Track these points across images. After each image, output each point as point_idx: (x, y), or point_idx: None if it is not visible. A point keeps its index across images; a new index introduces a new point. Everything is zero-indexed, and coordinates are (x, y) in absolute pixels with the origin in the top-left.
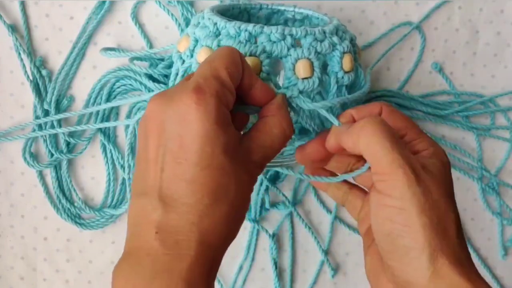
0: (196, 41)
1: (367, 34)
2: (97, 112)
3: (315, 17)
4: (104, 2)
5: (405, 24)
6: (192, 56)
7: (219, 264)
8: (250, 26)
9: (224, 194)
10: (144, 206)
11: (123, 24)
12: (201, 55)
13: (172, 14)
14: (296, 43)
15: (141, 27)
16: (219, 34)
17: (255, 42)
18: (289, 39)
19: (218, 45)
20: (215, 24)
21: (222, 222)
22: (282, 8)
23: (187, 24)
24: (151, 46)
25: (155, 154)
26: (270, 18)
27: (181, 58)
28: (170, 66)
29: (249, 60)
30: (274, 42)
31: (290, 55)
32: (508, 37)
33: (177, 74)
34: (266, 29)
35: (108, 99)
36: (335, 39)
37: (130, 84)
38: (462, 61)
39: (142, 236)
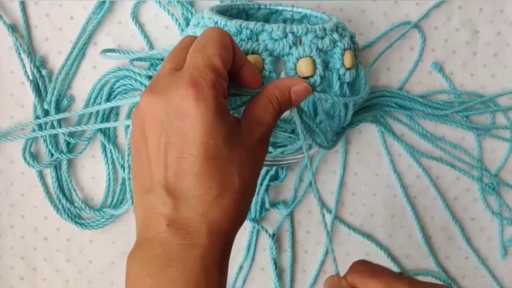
0: None
1: (367, 34)
2: (97, 112)
3: (313, 16)
4: (104, 2)
5: (405, 23)
6: None
7: (230, 247)
8: (252, 24)
9: (230, 182)
10: (152, 201)
11: (123, 24)
12: None
13: (172, 14)
14: (297, 41)
15: (141, 27)
16: None
17: (257, 40)
18: (290, 36)
19: None
20: (216, 23)
21: (231, 209)
22: (281, 8)
23: (187, 24)
24: (151, 46)
25: (157, 151)
26: (268, 18)
27: None
28: None
29: (251, 58)
30: (276, 40)
31: (292, 53)
32: (508, 37)
33: None
34: (268, 26)
35: (108, 99)
36: (335, 36)
37: (130, 84)
38: (462, 61)
39: (154, 228)
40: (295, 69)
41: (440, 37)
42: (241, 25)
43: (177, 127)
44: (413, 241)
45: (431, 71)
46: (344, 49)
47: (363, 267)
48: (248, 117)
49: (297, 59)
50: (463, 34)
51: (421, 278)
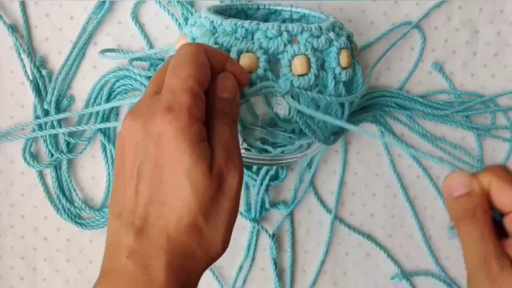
0: (193, 39)
1: (367, 34)
2: (97, 112)
3: (312, 16)
4: (104, 2)
5: (405, 23)
6: None
7: (195, 284)
8: (247, 23)
9: (199, 214)
10: (118, 228)
11: (123, 24)
12: None
13: (172, 14)
14: (293, 40)
15: (141, 27)
16: (216, 31)
17: (252, 39)
18: (285, 35)
19: (215, 43)
20: (212, 22)
21: (194, 244)
22: (279, 8)
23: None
24: (151, 46)
25: (131, 175)
26: (267, 18)
27: None
28: None
29: (246, 57)
30: (271, 38)
31: (287, 51)
32: (508, 37)
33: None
34: (263, 25)
35: (108, 99)
36: (331, 35)
37: (130, 84)
38: (462, 61)
39: (116, 258)
40: (290, 66)
41: (440, 37)
42: (236, 24)
43: (151, 152)
44: (413, 241)
45: (431, 71)
46: (340, 48)
47: (503, 171)
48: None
49: (292, 57)
50: (463, 34)
51: (421, 278)
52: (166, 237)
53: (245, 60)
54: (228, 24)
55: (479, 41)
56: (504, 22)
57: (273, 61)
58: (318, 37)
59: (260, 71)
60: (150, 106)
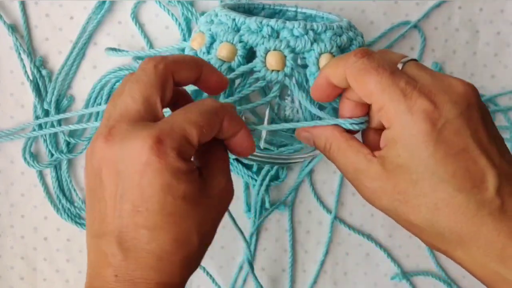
0: (213, 37)
1: (367, 34)
2: (97, 112)
3: (319, 16)
4: (104, 2)
5: (405, 23)
6: (209, 52)
7: None
8: (272, 21)
9: (187, 239)
10: (103, 249)
11: (123, 24)
12: (222, 51)
13: (172, 14)
14: (317, 38)
15: (141, 27)
16: (239, 29)
17: (277, 37)
18: (311, 33)
19: (240, 41)
20: (234, 20)
21: (182, 265)
22: (285, 8)
23: (188, 24)
24: (151, 46)
25: (113, 200)
26: (271, 18)
27: (196, 55)
28: None
29: (274, 55)
30: (297, 36)
31: (314, 49)
32: (508, 37)
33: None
34: (289, 24)
35: (108, 99)
36: (351, 34)
37: None
38: (462, 61)
39: (103, 277)
40: (317, 64)
41: (440, 37)
42: (261, 22)
43: (135, 181)
44: (413, 241)
45: None
46: (359, 47)
47: (359, 61)
48: (207, 166)
49: (319, 55)
50: (463, 34)
51: (421, 278)
52: (156, 259)
53: (273, 59)
54: (253, 22)
55: (479, 41)
56: (504, 22)
57: (300, 59)
58: (340, 35)
59: (287, 70)
60: (134, 130)
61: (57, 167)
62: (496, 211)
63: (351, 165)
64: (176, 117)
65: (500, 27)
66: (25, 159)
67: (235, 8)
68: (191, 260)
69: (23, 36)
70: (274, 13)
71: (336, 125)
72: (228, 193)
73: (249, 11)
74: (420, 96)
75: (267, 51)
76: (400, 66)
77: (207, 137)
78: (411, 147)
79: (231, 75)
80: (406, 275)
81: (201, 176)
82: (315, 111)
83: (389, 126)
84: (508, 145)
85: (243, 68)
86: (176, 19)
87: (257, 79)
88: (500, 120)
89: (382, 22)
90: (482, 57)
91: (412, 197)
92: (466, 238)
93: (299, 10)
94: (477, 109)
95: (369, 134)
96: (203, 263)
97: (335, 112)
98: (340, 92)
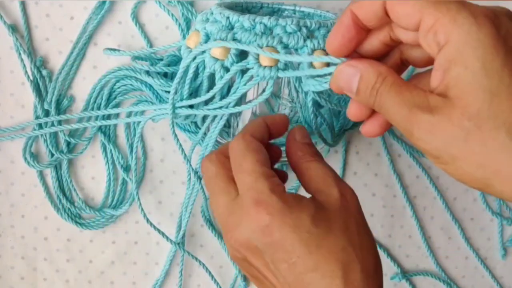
0: (207, 35)
1: None
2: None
3: (317, 15)
4: (104, 2)
5: None
6: (204, 51)
7: None
8: (265, 18)
9: (345, 254)
10: None
11: (123, 24)
12: (215, 49)
13: (172, 14)
14: (310, 35)
15: (141, 27)
16: (232, 27)
17: (271, 34)
18: (304, 30)
19: (233, 39)
20: (228, 18)
21: (365, 275)
22: (283, 7)
23: (188, 24)
24: (151, 46)
25: (272, 272)
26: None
27: (192, 53)
28: (170, 64)
29: (267, 50)
30: (290, 33)
31: (307, 45)
32: None
33: (187, 69)
34: (281, 21)
35: (108, 100)
36: None
37: (131, 84)
38: None
39: None
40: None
41: None
42: (254, 19)
43: (272, 244)
44: (413, 241)
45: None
46: None
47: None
48: (311, 187)
49: (312, 51)
50: None
51: (420, 278)
52: (338, 285)
53: (265, 55)
54: (246, 19)
55: None
56: None
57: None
58: None
59: (281, 65)
60: (239, 213)
61: (57, 167)
62: None
63: (407, 101)
64: (242, 180)
65: None
66: (25, 159)
67: (233, 7)
68: (369, 270)
69: (23, 36)
70: (273, 12)
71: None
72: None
73: (247, 9)
74: (477, 5)
75: (260, 48)
76: None
77: (267, 159)
78: (481, 54)
79: (226, 76)
80: (405, 275)
81: (313, 200)
82: (309, 99)
83: (447, 40)
84: None
85: (236, 67)
86: (176, 19)
87: (252, 77)
88: None
89: None
90: None
91: (487, 119)
92: None
93: (297, 8)
94: None
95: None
96: (203, 262)
97: (332, 112)
98: (363, 39)
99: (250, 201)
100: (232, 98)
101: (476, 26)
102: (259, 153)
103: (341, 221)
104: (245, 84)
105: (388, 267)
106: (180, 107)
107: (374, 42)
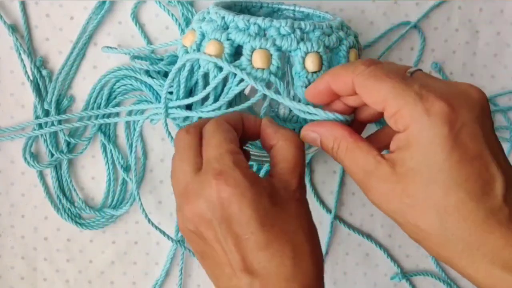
0: (203, 35)
1: (367, 34)
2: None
3: (316, 16)
4: (104, 2)
5: (404, 23)
6: (199, 50)
7: None
8: (260, 20)
9: (294, 236)
10: (241, 286)
11: (123, 24)
12: (210, 48)
13: (172, 14)
14: (305, 37)
15: (141, 27)
16: (227, 27)
17: (264, 35)
18: (298, 32)
19: (227, 39)
20: (223, 18)
21: (313, 261)
22: (283, 7)
23: (187, 24)
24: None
25: (221, 245)
26: (270, 17)
27: (187, 52)
28: (170, 63)
29: (259, 53)
30: (284, 35)
31: (300, 48)
32: (508, 37)
33: (183, 67)
34: (276, 22)
35: (108, 99)
36: (341, 34)
37: (131, 84)
38: (462, 61)
39: None
40: (303, 63)
41: (440, 37)
42: (249, 20)
43: (227, 217)
44: (413, 241)
45: (430, 71)
46: (349, 47)
47: (368, 69)
48: (278, 172)
49: (305, 54)
50: (463, 34)
51: (420, 278)
52: (286, 267)
53: (258, 57)
54: (240, 20)
55: (479, 41)
56: (504, 22)
57: (285, 58)
58: (329, 35)
59: (273, 68)
60: (200, 182)
61: (57, 167)
62: (504, 220)
63: (360, 167)
64: (209, 152)
65: (500, 27)
66: (25, 159)
67: (232, 7)
68: (315, 257)
69: (23, 36)
70: (272, 12)
71: (344, 125)
72: None
73: (247, 9)
74: (436, 98)
75: (253, 49)
76: (408, 74)
77: (235, 140)
78: (427, 150)
79: (219, 75)
80: (405, 275)
81: (272, 184)
82: (299, 106)
83: (404, 129)
84: (508, 145)
85: (229, 67)
86: (176, 19)
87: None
88: (500, 120)
89: (382, 23)
90: (482, 57)
91: (422, 200)
92: (473, 245)
93: (297, 9)
94: (488, 115)
95: (376, 136)
96: None
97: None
98: (337, 99)
99: (213, 172)
100: (225, 100)
101: (429, 124)
102: (228, 132)
103: (294, 207)
104: (237, 85)
105: (388, 267)
106: (175, 107)
107: (349, 101)
